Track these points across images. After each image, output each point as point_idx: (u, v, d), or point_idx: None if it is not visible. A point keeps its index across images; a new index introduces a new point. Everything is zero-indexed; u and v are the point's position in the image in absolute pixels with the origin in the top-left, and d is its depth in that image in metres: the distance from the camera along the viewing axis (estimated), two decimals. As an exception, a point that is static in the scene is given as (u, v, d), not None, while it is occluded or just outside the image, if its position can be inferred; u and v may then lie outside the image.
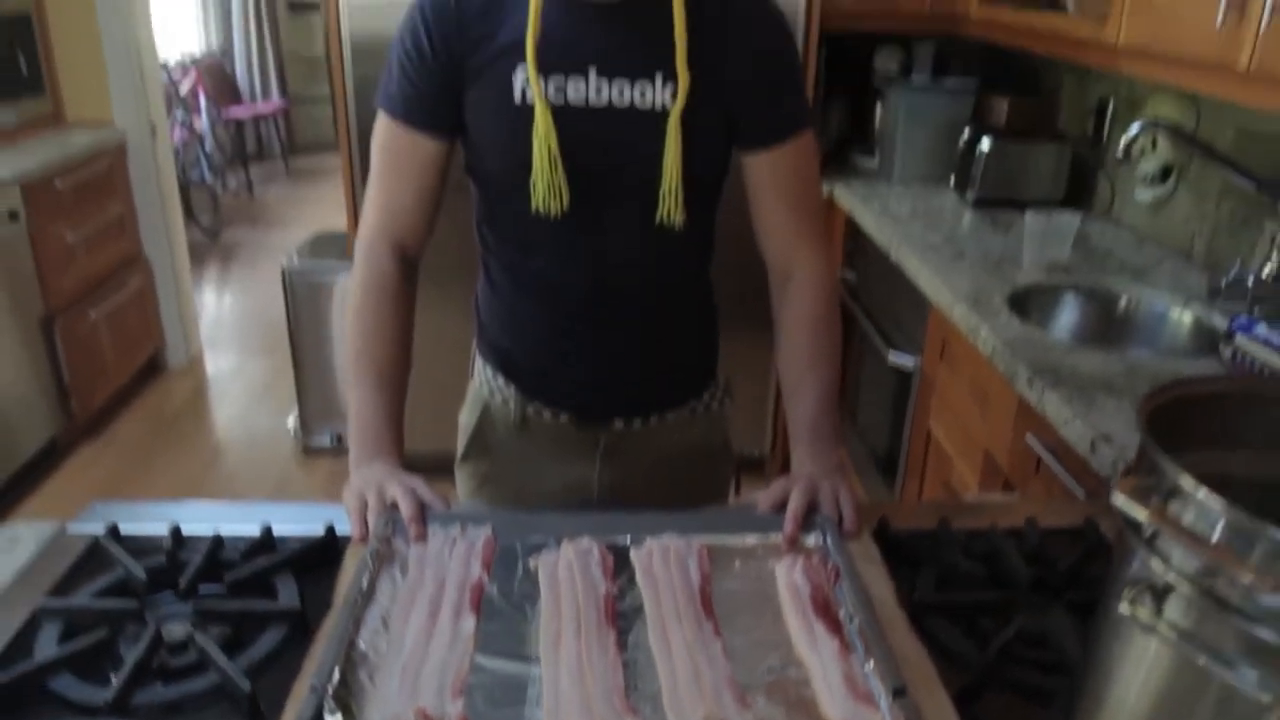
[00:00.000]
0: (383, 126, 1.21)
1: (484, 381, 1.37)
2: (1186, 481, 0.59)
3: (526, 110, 1.13)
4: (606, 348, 1.28)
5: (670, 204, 1.16)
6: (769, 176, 1.23)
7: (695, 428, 1.38)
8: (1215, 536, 0.58)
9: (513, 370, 1.33)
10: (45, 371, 3.19)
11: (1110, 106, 2.55)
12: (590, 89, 1.13)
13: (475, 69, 1.15)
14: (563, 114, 1.13)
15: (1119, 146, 1.90)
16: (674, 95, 1.12)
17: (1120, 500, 0.57)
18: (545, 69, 1.12)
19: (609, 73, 1.13)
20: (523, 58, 1.11)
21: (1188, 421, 0.69)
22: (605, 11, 1.13)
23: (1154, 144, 2.31)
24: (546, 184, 1.14)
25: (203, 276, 5.24)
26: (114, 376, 3.61)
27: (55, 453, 3.29)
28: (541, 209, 1.16)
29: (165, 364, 4.02)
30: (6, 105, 3.33)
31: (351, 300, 1.24)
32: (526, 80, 1.12)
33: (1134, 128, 1.88)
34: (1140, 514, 0.56)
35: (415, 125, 1.19)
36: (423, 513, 1.07)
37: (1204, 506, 0.59)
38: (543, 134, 1.12)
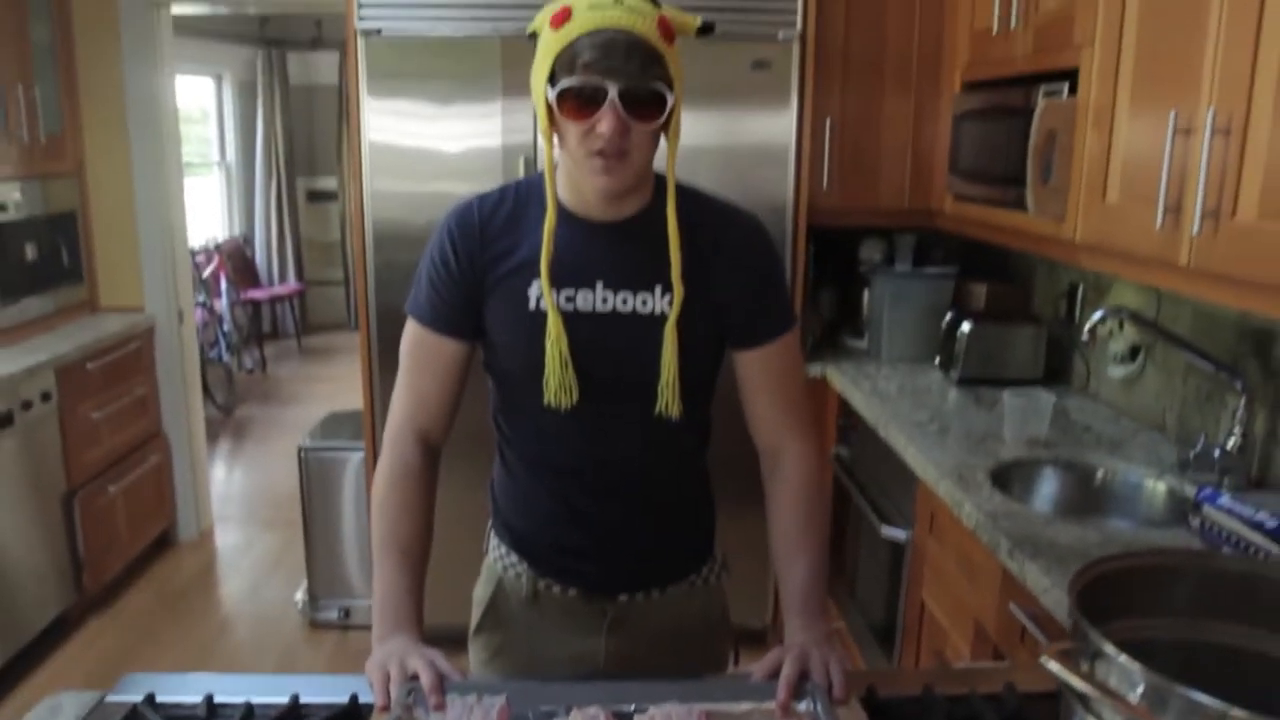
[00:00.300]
0: (411, 330, 1.37)
1: (498, 558, 1.47)
2: (1109, 648, 0.69)
3: (540, 316, 1.28)
4: (612, 528, 1.39)
5: (668, 397, 1.29)
6: (758, 371, 1.37)
7: (695, 600, 1.47)
8: (1136, 695, 0.68)
9: (525, 548, 1.43)
10: (61, 546, 3.27)
11: (1080, 291, 2.74)
12: (597, 298, 1.29)
13: (495, 281, 1.31)
14: (573, 320, 1.28)
15: (1085, 330, 2.06)
16: (671, 304, 1.28)
17: (1051, 665, 0.67)
18: (559, 282, 1.28)
19: (614, 284, 1.29)
20: (537, 273, 1.27)
21: (1119, 592, 0.80)
22: (610, 230, 1.30)
23: (1121, 325, 2.48)
24: (558, 382, 1.28)
25: (215, 451, 5.37)
26: (126, 550, 3.68)
27: (65, 625, 3.33)
28: (553, 403, 1.29)
29: (176, 538, 4.10)
30: (47, 294, 3.55)
31: (378, 485, 1.36)
32: (541, 291, 1.28)
33: (1095, 315, 2.04)
34: (1067, 677, 0.66)
35: (440, 331, 1.34)
36: (441, 683, 1.15)
37: (1125, 669, 0.69)
38: (554, 338, 1.26)
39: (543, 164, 1.26)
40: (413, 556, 1.32)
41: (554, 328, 1.26)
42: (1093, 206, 1.98)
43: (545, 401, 1.29)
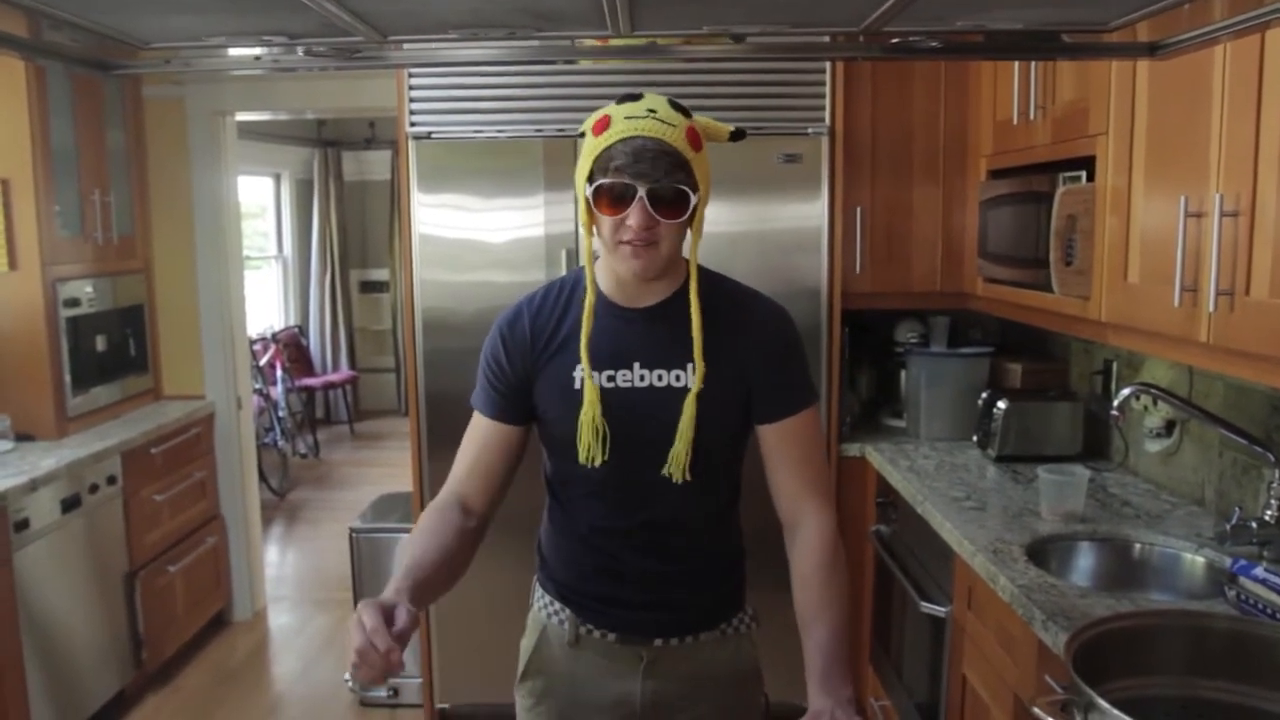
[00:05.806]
0: (475, 418, 1.53)
1: (542, 606, 1.59)
2: (1100, 702, 0.75)
3: (582, 393, 1.42)
4: (647, 580, 1.51)
5: (682, 462, 1.42)
6: (779, 444, 1.48)
7: (726, 648, 1.56)
8: (1128, 742, 0.73)
9: (568, 597, 1.55)
10: (122, 624, 3.37)
11: (1114, 368, 2.77)
12: (635, 376, 1.43)
13: (544, 364, 1.47)
14: (613, 394, 1.43)
15: (1114, 408, 2.10)
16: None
17: (1038, 712, 0.72)
18: (602, 364, 1.43)
19: (650, 364, 1.44)
20: (579, 355, 1.42)
21: (1120, 652, 0.85)
22: (644, 315, 1.46)
23: (1155, 400, 2.51)
24: (587, 444, 1.42)
25: (269, 534, 5.49)
26: (184, 629, 3.78)
27: (125, 701, 3.42)
28: (585, 463, 1.42)
29: (231, 617, 4.20)
30: (114, 383, 3.73)
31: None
32: (583, 373, 1.42)
33: (1123, 393, 2.08)
34: (1059, 721, 0.72)
35: (496, 419, 1.51)
36: (384, 617, 1.18)
37: None
38: (590, 402, 1.41)
39: (583, 254, 1.40)
40: (421, 568, 1.32)
41: (590, 394, 1.41)
42: (1115, 287, 2.05)
43: (580, 461, 1.42)
